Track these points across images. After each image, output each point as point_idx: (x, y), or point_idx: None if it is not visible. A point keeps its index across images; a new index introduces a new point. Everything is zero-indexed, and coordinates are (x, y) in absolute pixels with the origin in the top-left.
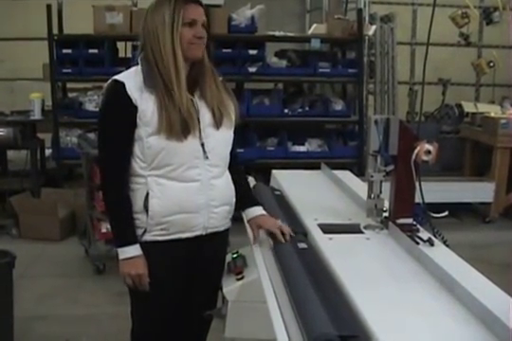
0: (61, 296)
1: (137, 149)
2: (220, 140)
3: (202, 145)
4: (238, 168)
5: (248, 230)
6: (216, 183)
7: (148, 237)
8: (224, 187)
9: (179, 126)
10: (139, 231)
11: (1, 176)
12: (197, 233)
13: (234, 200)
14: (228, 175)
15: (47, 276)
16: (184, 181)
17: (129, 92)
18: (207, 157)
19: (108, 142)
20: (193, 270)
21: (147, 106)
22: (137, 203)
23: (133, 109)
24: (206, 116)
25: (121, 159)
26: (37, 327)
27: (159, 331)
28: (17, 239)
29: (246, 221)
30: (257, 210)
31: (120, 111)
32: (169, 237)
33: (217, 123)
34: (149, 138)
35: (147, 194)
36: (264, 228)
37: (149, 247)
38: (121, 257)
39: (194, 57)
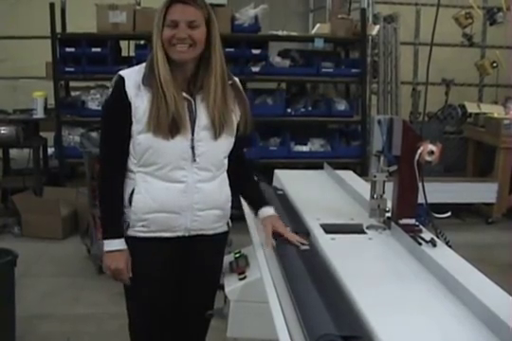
0: (62, 294)
1: (130, 145)
2: (214, 146)
3: (192, 147)
4: (247, 172)
5: (260, 231)
6: (203, 186)
7: (131, 232)
8: (212, 191)
9: (167, 123)
10: (124, 225)
11: (3, 175)
12: (179, 234)
13: (229, 204)
14: (222, 181)
15: (49, 274)
16: (169, 181)
17: (127, 88)
18: (195, 160)
19: (104, 136)
20: (184, 270)
21: (141, 103)
22: (125, 197)
23: (127, 105)
24: (203, 119)
25: (115, 154)
26: (39, 325)
27: (153, 328)
28: (19, 237)
29: (260, 222)
30: (269, 210)
31: (116, 106)
32: (150, 234)
33: (216, 128)
34: (139, 135)
35: (133, 189)
36: (277, 228)
37: (131, 242)
38: (105, 249)
39: (179, 59)
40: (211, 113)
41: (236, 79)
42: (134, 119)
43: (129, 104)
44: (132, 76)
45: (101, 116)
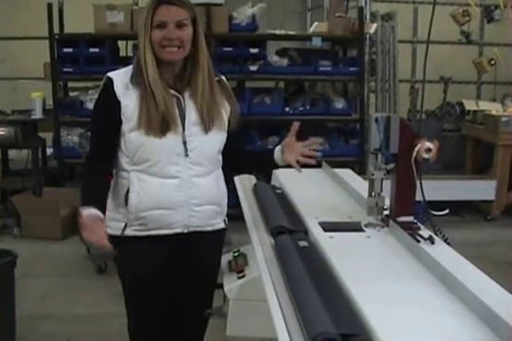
0: (62, 295)
1: (122, 144)
2: (206, 140)
3: (184, 143)
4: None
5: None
6: (198, 181)
7: (129, 231)
8: (208, 186)
9: (158, 122)
10: (121, 225)
11: (2, 176)
12: (177, 230)
13: (225, 201)
14: (218, 176)
15: (49, 275)
16: (163, 177)
17: (115, 88)
18: (187, 155)
19: (93, 134)
20: (182, 269)
21: (130, 102)
22: (120, 197)
23: (116, 104)
24: (192, 114)
25: (103, 152)
26: (39, 326)
27: (152, 326)
28: (19, 238)
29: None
30: (277, 150)
31: (105, 105)
32: (148, 232)
33: (205, 123)
34: (130, 133)
35: (128, 189)
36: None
37: (130, 242)
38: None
39: (170, 59)
40: (200, 107)
41: (223, 76)
42: (123, 118)
43: (118, 103)
44: (120, 76)
45: (91, 117)
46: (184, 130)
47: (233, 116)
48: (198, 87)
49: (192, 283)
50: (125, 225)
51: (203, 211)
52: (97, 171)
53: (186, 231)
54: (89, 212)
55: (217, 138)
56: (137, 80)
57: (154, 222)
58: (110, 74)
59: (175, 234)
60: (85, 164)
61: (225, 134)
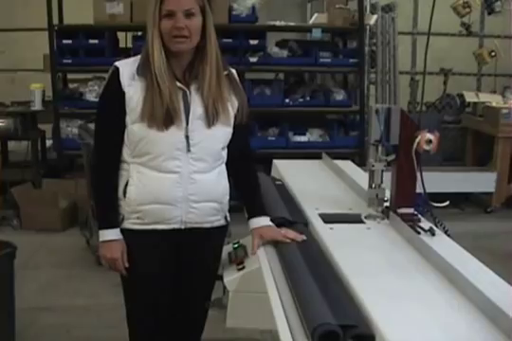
0: (62, 286)
1: (125, 135)
2: (210, 135)
3: (186, 137)
4: (249, 168)
5: (250, 240)
6: (199, 177)
7: (126, 224)
8: (209, 183)
9: (161, 115)
10: (119, 217)
11: (2, 167)
12: (174, 226)
13: (227, 198)
14: (220, 173)
15: (49, 266)
16: (162, 171)
17: (121, 78)
18: (189, 150)
19: (98, 126)
20: (181, 264)
21: (135, 93)
22: (119, 188)
23: (121, 94)
24: (198, 109)
25: (108, 143)
26: (39, 317)
27: (151, 319)
28: (18, 230)
29: (250, 230)
30: (261, 221)
31: (111, 95)
32: (144, 226)
33: (210, 118)
34: (133, 125)
35: (127, 181)
36: (266, 238)
37: (127, 235)
38: (100, 239)
39: (178, 49)
40: (205, 101)
41: (233, 70)
42: (127, 109)
43: (123, 94)
44: (127, 66)
45: (98, 108)
46: (187, 124)
47: (241, 112)
48: (205, 80)
49: (191, 278)
50: (122, 218)
51: (201, 208)
52: (109, 168)
53: (183, 227)
54: (108, 244)
55: (221, 134)
56: (144, 70)
57: (151, 216)
58: (117, 63)
59: (173, 229)
60: (97, 159)
61: (230, 131)
